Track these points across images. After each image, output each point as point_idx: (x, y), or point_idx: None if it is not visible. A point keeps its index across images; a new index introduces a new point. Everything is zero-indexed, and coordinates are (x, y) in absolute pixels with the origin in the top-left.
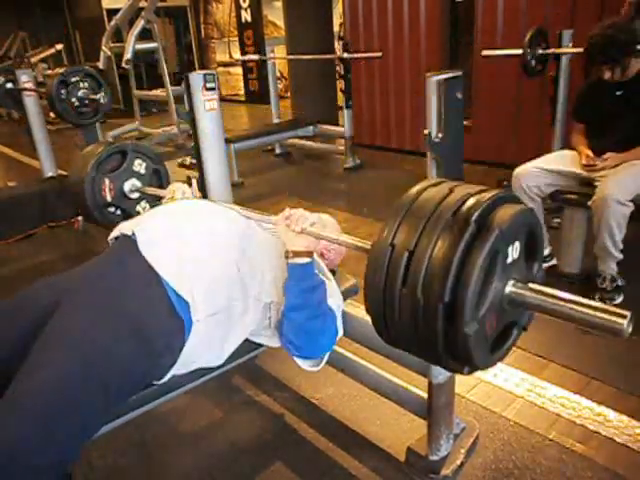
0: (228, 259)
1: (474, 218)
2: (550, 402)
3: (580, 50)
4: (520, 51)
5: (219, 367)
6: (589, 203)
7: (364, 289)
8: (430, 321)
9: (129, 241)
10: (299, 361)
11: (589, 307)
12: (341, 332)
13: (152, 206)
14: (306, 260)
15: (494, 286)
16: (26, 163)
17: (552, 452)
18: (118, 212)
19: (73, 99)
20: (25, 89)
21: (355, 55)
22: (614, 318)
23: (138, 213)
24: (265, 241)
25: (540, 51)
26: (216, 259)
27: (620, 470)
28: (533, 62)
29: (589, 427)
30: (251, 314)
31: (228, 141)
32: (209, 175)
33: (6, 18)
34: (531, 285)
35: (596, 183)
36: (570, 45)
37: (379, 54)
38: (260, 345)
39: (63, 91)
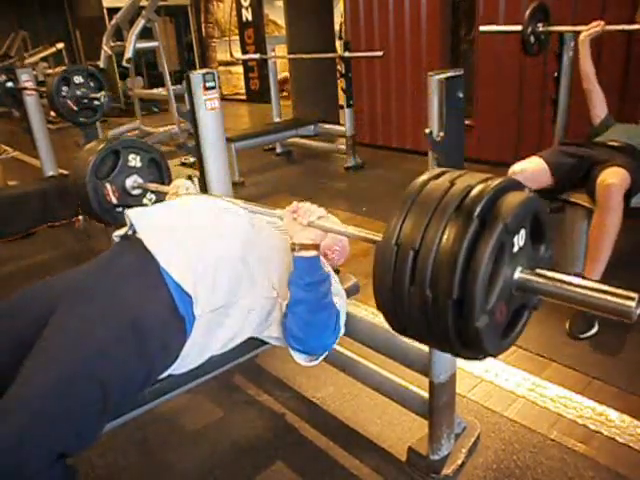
0: (233, 254)
1: (476, 214)
2: (551, 402)
3: (581, 28)
4: (519, 27)
5: (220, 367)
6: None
7: (373, 286)
8: (440, 317)
9: (129, 241)
10: (296, 355)
11: (596, 290)
12: (343, 330)
13: (157, 200)
14: (313, 253)
15: (502, 276)
16: (27, 162)
17: (553, 452)
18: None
19: (73, 98)
20: (25, 88)
21: (356, 54)
22: (621, 301)
23: (145, 205)
24: (271, 237)
25: (540, 28)
26: (221, 254)
27: (622, 470)
28: (532, 39)
29: (591, 427)
30: (255, 311)
31: (229, 140)
32: (210, 174)
33: (7, 17)
34: (538, 271)
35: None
36: (572, 44)
37: (380, 53)
38: (262, 344)
39: (63, 90)
